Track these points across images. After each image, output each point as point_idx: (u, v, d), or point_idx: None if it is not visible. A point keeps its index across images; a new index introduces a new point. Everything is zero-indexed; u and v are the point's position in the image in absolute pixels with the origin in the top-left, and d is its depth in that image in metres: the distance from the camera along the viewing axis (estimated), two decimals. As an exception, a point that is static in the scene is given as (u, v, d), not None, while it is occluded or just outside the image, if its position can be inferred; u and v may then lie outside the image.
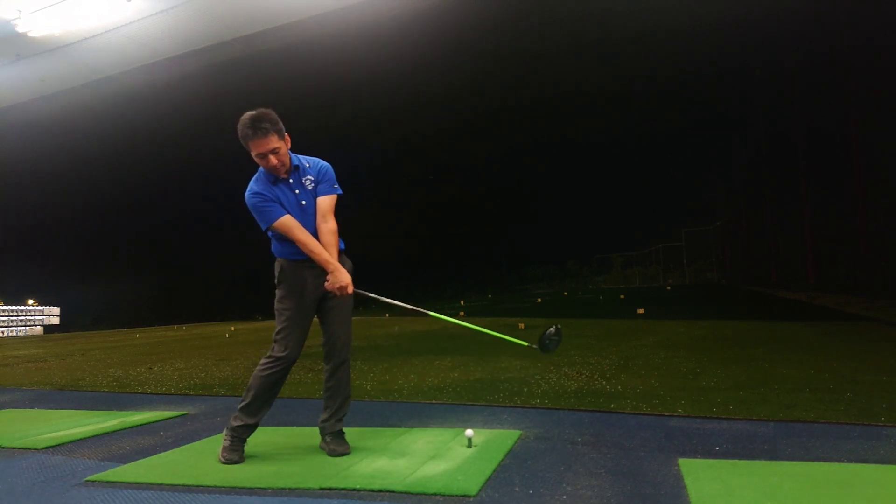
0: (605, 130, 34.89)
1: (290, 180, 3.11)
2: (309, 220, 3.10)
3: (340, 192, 3.24)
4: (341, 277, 3.01)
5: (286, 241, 3.10)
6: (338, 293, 3.04)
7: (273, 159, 3.01)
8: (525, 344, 3.35)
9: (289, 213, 3.05)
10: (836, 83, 11.98)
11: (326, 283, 3.03)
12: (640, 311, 11.40)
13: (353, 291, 3.09)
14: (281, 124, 3.04)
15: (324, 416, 3.19)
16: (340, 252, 3.19)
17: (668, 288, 21.69)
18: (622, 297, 17.48)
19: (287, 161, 3.08)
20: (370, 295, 3.26)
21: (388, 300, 3.33)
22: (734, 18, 15.19)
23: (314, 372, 6.36)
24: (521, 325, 10.36)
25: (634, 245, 31.31)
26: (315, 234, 3.09)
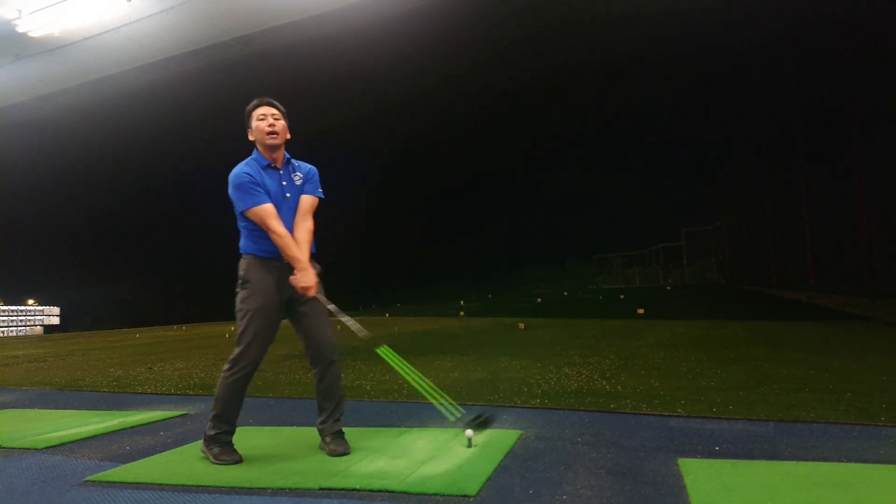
0: (605, 130, 34.93)
1: (281, 171, 3.15)
2: (289, 213, 3.12)
3: (323, 196, 3.26)
4: (307, 278, 2.98)
5: (259, 237, 3.08)
6: (299, 292, 3.00)
7: (271, 119, 3.09)
8: (454, 416, 3.17)
9: (272, 202, 3.04)
10: (836, 83, 11.99)
11: (292, 278, 3.00)
12: (640, 311, 11.40)
13: (314, 296, 3.04)
14: (286, 114, 3.19)
15: (321, 417, 3.18)
16: (310, 255, 3.15)
17: (668, 288, 21.68)
18: (622, 297, 17.48)
19: (283, 136, 3.15)
20: (328, 306, 3.15)
21: (343, 317, 3.17)
22: (735, 19, 15.20)
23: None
24: (522, 325, 10.36)
25: (634, 245, 31.32)
26: (290, 224, 3.10)
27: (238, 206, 3.05)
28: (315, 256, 3.19)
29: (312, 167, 3.29)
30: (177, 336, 15.79)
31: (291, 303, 3.12)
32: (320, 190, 3.26)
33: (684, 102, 26.51)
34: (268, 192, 3.05)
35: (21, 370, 8.90)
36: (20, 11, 11.14)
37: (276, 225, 2.99)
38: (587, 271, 33.09)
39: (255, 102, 3.16)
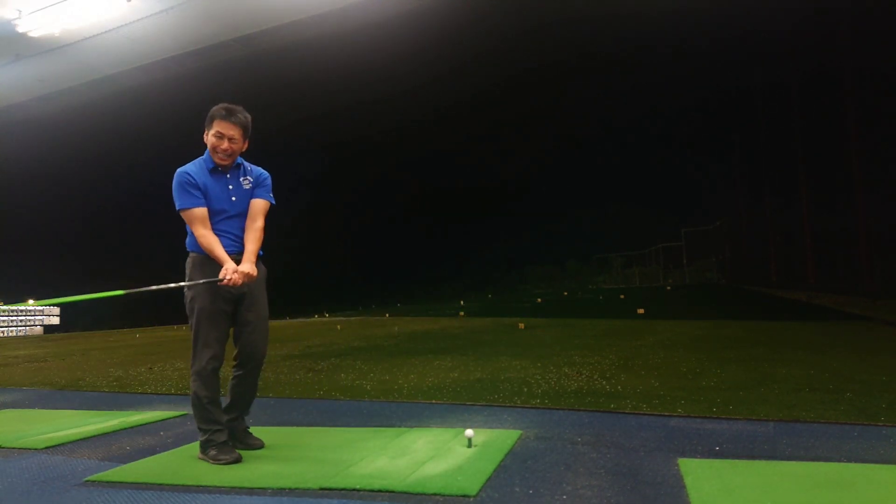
0: (605, 130, 34.94)
1: (228, 175, 3.20)
2: (236, 215, 3.17)
3: (274, 202, 3.32)
4: (227, 266, 2.96)
5: None
6: (224, 280, 2.96)
7: (226, 143, 3.12)
8: None
9: (210, 206, 3.09)
10: (835, 83, 11.98)
11: (220, 275, 2.99)
12: (640, 311, 11.40)
13: (233, 280, 2.96)
14: (250, 129, 3.21)
15: (231, 415, 3.22)
16: (258, 257, 3.21)
17: (668, 288, 21.68)
18: (622, 297, 17.47)
19: (235, 157, 3.19)
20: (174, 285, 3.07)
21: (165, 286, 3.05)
22: (733, 19, 15.19)
23: (314, 372, 6.36)
24: (521, 325, 10.36)
25: (634, 245, 31.32)
26: (240, 227, 3.17)
27: (175, 206, 3.11)
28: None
29: (265, 172, 3.33)
30: (177, 336, 15.78)
31: (237, 307, 3.15)
32: (271, 195, 3.31)
33: (684, 102, 26.52)
34: (207, 194, 3.11)
35: (21, 370, 8.90)
36: (20, 11, 11.13)
37: (199, 228, 3.05)
38: (587, 271, 33.09)
39: (221, 112, 3.14)
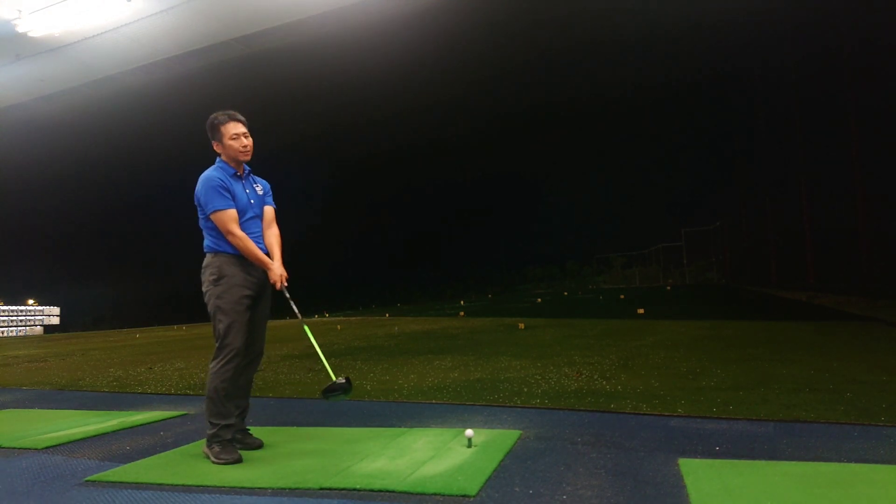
0: (605, 131, 34.94)
1: (244, 181, 3.36)
2: (255, 219, 3.33)
3: (276, 207, 3.53)
4: (276, 271, 3.23)
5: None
6: (277, 285, 3.22)
7: (244, 139, 3.28)
8: (333, 378, 3.20)
9: (238, 209, 3.23)
10: (836, 82, 11.98)
11: (272, 281, 3.23)
12: (640, 311, 11.40)
13: (279, 290, 3.29)
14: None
15: (237, 410, 3.25)
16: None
17: (668, 288, 21.68)
18: (622, 297, 17.47)
19: (251, 154, 3.36)
20: (287, 296, 3.33)
21: (295, 307, 3.36)
22: (734, 19, 15.20)
23: (314, 372, 6.36)
24: (521, 325, 10.36)
25: (634, 245, 31.35)
26: (258, 228, 3.33)
27: (207, 208, 3.19)
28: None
29: (266, 181, 3.54)
30: (177, 336, 15.79)
31: (254, 300, 3.28)
32: (274, 202, 3.54)
33: (684, 103, 26.52)
34: (234, 199, 3.24)
35: (21, 370, 8.90)
36: (20, 11, 11.13)
37: (237, 229, 3.19)
38: (587, 271, 33.13)
39: (223, 117, 3.29)
